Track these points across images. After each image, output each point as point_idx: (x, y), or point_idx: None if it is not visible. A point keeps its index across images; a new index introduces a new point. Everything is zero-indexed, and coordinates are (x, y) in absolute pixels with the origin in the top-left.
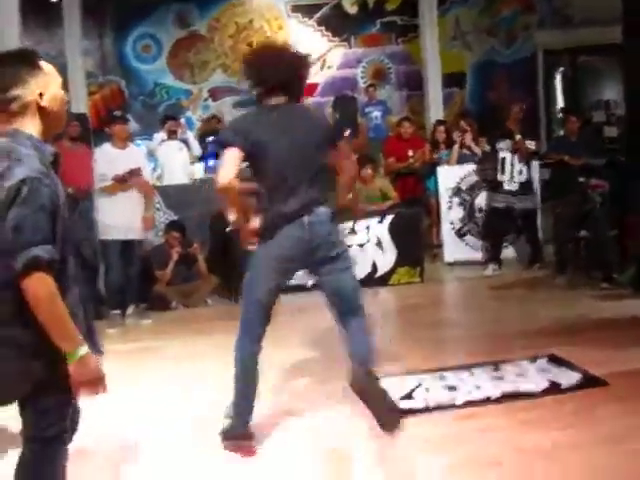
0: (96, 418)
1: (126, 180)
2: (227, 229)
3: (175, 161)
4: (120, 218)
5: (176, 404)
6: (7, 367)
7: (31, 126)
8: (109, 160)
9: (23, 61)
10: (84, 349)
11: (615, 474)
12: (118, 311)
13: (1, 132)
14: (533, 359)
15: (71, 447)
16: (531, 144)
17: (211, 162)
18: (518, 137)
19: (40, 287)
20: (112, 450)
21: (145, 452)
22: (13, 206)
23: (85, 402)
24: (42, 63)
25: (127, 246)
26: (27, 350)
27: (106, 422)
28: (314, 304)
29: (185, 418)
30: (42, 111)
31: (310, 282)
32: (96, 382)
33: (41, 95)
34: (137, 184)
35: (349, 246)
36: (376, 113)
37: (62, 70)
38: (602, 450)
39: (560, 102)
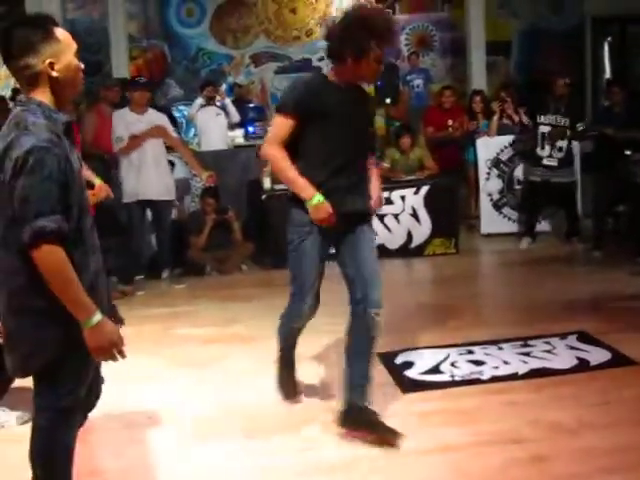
0: (126, 379)
1: (142, 139)
2: (263, 196)
3: (212, 127)
4: (141, 180)
5: (207, 368)
6: (28, 335)
7: (43, 94)
8: (126, 124)
9: (35, 28)
10: (98, 316)
11: (639, 454)
12: (142, 276)
13: (19, 99)
14: (563, 336)
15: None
16: (580, 125)
17: (251, 128)
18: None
19: (48, 258)
20: (140, 412)
21: (170, 415)
22: (20, 176)
23: (114, 364)
24: (57, 30)
25: (156, 210)
26: (44, 318)
27: (134, 383)
28: None
29: (214, 382)
30: (54, 80)
31: None
32: (111, 348)
33: (52, 65)
34: (161, 137)
35: (384, 215)
36: (418, 81)
37: (104, 34)
38: (628, 430)
39: (608, 73)
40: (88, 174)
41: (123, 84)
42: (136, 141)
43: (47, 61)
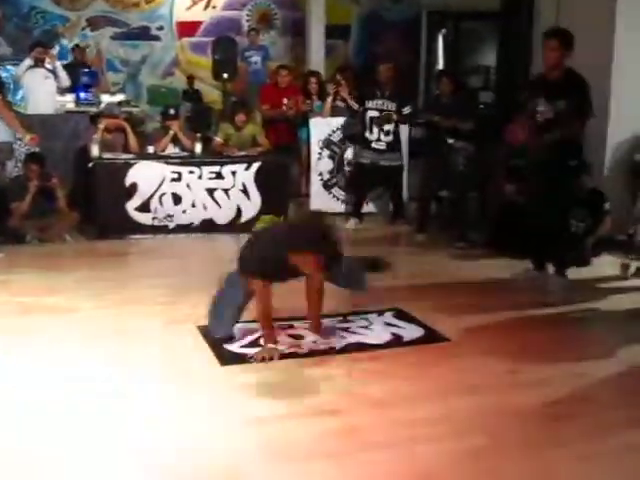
0: None
1: None
2: (90, 164)
3: (40, 90)
4: None
5: (25, 338)
6: None
7: None
8: None
9: None
10: None
11: (444, 424)
12: None
13: None
14: (380, 312)
15: None
16: (407, 109)
17: (82, 94)
18: (395, 117)
19: None
20: None
21: None
22: None
23: None
24: None
25: None
26: None
27: None
28: None
29: (33, 353)
30: None
31: None
32: None
33: None
34: None
35: (214, 190)
36: (256, 58)
37: None
38: (435, 402)
39: (441, 64)
40: None
41: None
42: None
43: None
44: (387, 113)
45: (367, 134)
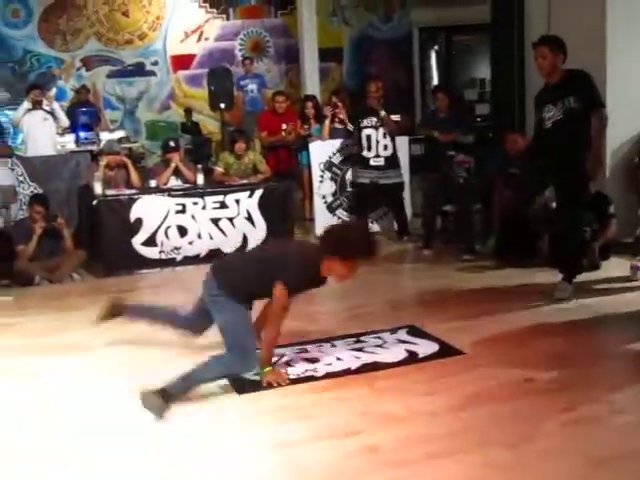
0: None
1: None
2: (94, 202)
3: (40, 132)
4: None
5: (44, 378)
6: None
7: None
8: None
9: None
10: None
11: (463, 437)
12: None
13: None
14: (393, 330)
15: None
16: (396, 117)
17: (82, 134)
18: (383, 113)
19: None
20: None
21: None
22: None
23: None
24: None
25: None
26: None
27: None
28: None
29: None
30: None
31: None
32: None
33: None
34: None
35: (219, 219)
36: (252, 86)
37: None
38: (451, 417)
39: (435, 79)
40: None
41: None
42: None
43: None
44: (385, 116)
45: (364, 152)
